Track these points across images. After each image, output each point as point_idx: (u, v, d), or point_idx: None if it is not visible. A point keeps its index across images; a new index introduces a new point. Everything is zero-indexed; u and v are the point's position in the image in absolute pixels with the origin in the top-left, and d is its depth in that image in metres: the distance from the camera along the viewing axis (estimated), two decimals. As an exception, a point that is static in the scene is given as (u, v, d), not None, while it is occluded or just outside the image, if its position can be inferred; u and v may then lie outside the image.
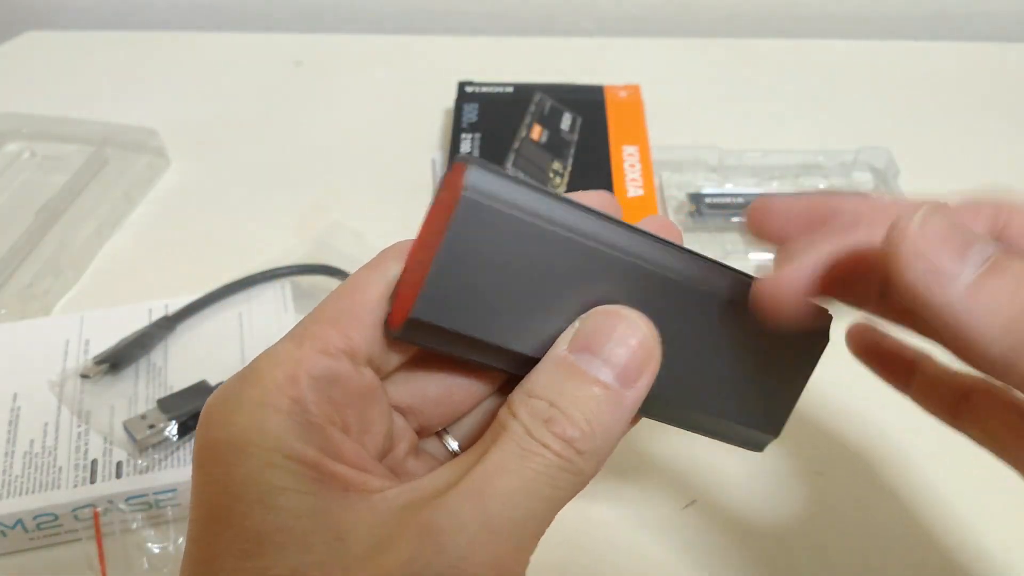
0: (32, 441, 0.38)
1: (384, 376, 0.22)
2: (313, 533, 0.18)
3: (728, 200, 0.54)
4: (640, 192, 0.51)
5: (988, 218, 0.23)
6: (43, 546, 0.37)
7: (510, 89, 0.60)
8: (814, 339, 0.25)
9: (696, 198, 0.54)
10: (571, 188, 0.51)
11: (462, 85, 0.61)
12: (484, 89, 0.60)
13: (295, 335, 0.21)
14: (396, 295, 0.21)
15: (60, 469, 0.37)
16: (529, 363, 0.21)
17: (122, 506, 0.36)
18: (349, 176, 0.58)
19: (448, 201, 0.20)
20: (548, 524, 0.20)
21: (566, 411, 0.20)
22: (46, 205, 0.52)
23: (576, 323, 0.21)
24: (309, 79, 0.69)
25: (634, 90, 0.60)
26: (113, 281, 0.51)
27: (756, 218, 0.26)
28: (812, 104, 0.66)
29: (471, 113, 0.58)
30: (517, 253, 0.20)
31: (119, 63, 0.71)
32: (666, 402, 0.23)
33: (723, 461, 0.40)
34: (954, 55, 0.72)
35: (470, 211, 0.19)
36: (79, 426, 0.38)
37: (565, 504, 0.20)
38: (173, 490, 0.37)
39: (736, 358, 0.24)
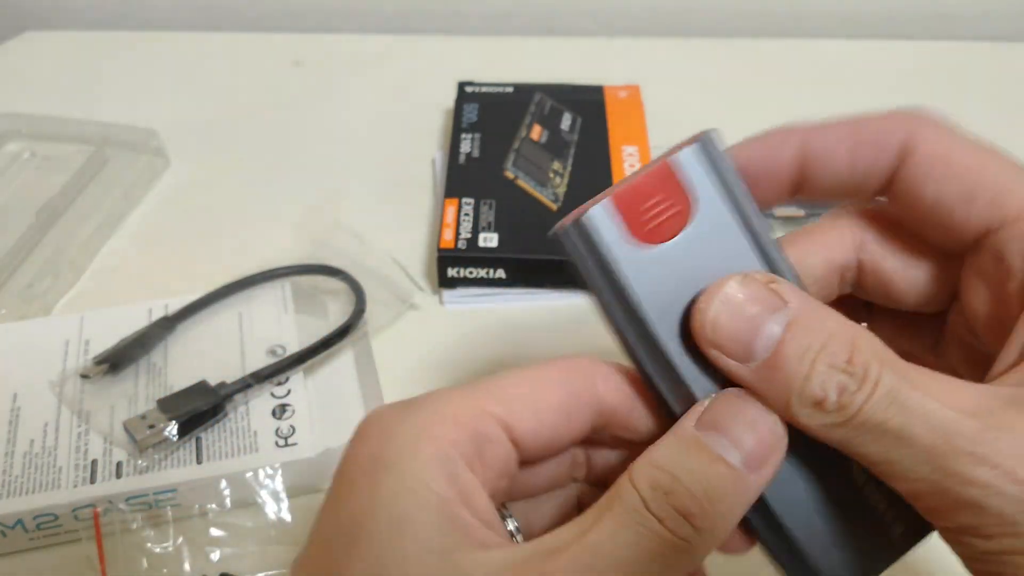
0: (32, 441, 0.38)
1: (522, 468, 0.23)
2: (435, 569, 0.19)
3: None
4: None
5: (795, 147, 0.24)
6: (43, 546, 0.37)
7: (510, 89, 0.60)
8: None
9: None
10: (571, 188, 0.51)
11: (462, 85, 0.61)
12: (484, 89, 0.60)
13: (475, 388, 0.22)
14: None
15: (60, 469, 0.37)
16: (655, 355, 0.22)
17: (122, 506, 0.36)
18: (349, 176, 0.58)
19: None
20: None
21: (688, 485, 0.19)
22: (46, 205, 0.52)
23: (706, 401, 0.21)
24: (309, 79, 0.69)
25: (634, 90, 0.60)
26: (113, 281, 0.51)
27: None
28: (812, 104, 0.65)
29: (471, 113, 0.58)
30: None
31: (119, 63, 0.71)
32: (775, 518, 0.22)
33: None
34: (954, 55, 0.72)
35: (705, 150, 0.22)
36: (79, 426, 0.38)
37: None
38: (173, 490, 0.37)
39: (847, 497, 0.23)
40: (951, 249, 0.23)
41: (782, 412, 0.21)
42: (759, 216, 0.22)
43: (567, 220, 0.22)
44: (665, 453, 0.20)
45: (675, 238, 0.21)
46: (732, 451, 0.20)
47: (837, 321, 0.21)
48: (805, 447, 0.21)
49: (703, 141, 0.22)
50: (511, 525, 0.23)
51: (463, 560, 0.19)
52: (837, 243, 0.25)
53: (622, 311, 0.22)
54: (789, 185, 0.25)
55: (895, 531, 0.23)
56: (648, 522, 0.19)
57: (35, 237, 0.51)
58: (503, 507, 0.24)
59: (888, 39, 0.73)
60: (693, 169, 0.22)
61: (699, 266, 0.21)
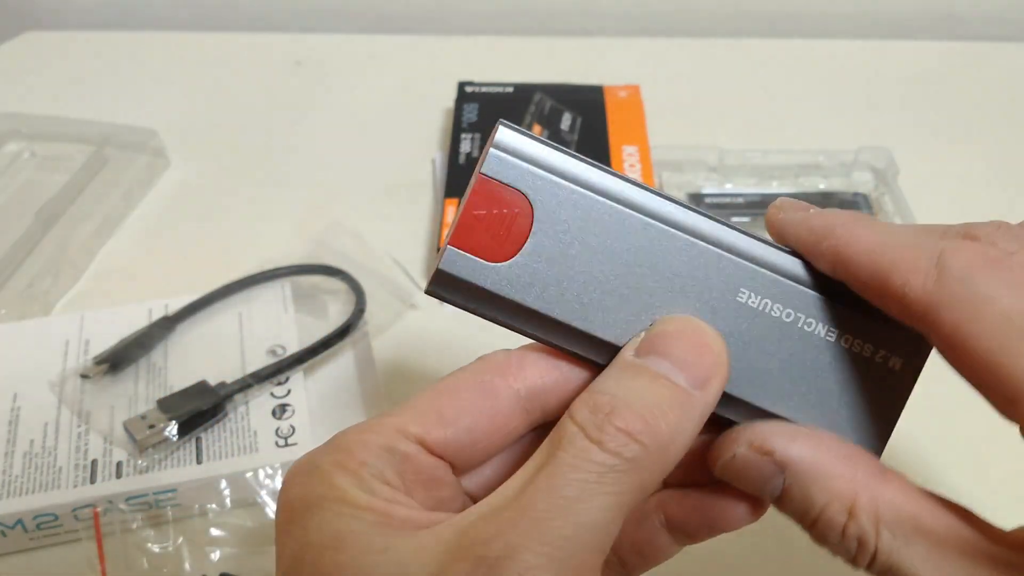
0: (32, 441, 0.38)
1: (460, 473, 0.23)
2: (377, 567, 0.19)
3: (728, 200, 0.54)
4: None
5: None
6: (43, 546, 0.37)
7: (510, 89, 0.60)
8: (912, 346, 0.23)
9: (696, 198, 0.54)
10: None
11: (462, 85, 0.61)
12: (484, 89, 0.60)
13: (389, 411, 0.22)
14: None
15: (60, 469, 0.37)
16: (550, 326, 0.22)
17: (122, 506, 0.36)
18: (349, 176, 0.58)
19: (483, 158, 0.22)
20: (614, 533, 0.19)
21: (630, 404, 0.19)
22: (46, 205, 0.52)
23: (642, 334, 0.21)
24: (309, 79, 0.69)
25: (634, 90, 0.60)
26: (113, 281, 0.51)
27: (772, 231, 0.25)
28: (812, 104, 0.66)
29: (471, 113, 0.58)
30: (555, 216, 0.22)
31: (119, 63, 0.71)
32: (749, 405, 0.23)
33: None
34: (954, 55, 0.72)
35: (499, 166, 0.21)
36: (79, 426, 0.38)
37: (629, 509, 0.19)
38: (173, 490, 0.37)
39: (828, 361, 0.23)
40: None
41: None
42: (599, 169, 0.22)
43: (431, 280, 0.22)
44: (605, 381, 0.20)
45: (530, 237, 0.22)
46: (675, 372, 0.20)
47: (834, 487, 0.21)
48: (764, 328, 0.22)
49: (496, 140, 0.21)
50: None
51: (405, 549, 0.19)
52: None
53: (525, 320, 0.22)
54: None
55: (894, 367, 0.23)
56: (591, 455, 0.18)
57: (35, 237, 0.51)
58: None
59: (888, 39, 0.73)
60: (505, 169, 0.21)
61: (567, 243, 0.22)
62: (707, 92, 0.67)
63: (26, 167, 0.58)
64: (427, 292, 0.22)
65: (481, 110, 0.58)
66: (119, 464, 0.37)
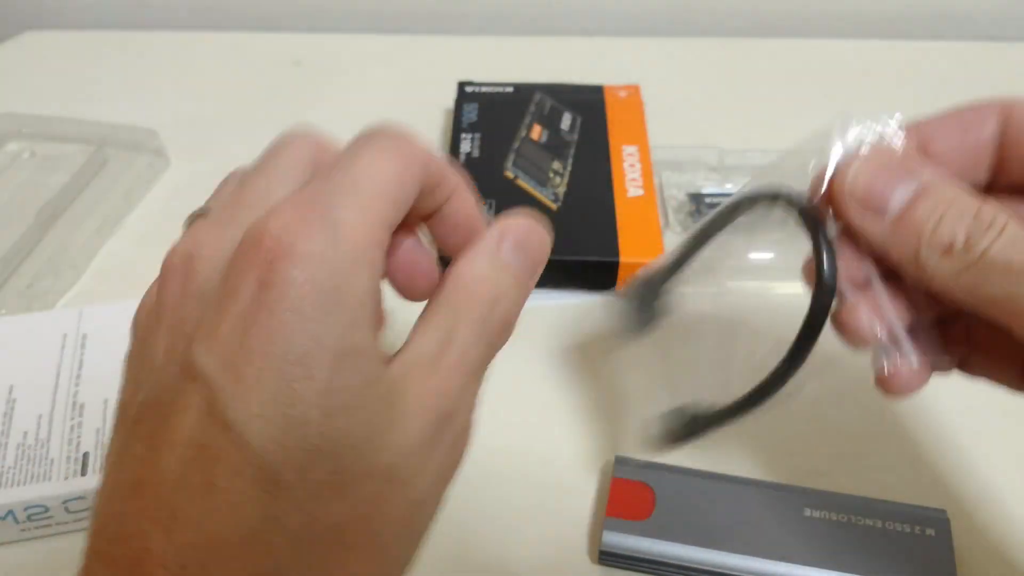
0: (26, 433, 0.38)
1: None
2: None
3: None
4: (640, 192, 0.51)
5: (994, 116, 0.25)
6: (34, 538, 0.37)
7: (510, 89, 0.60)
8: None
9: (696, 198, 0.54)
10: (571, 188, 0.51)
11: (462, 85, 0.61)
12: (484, 89, 0.60)
13: (362, 198, 0.22)
14: None
15: (52, 461, 0.37)
16: None
17: None
18: (349, 176, 0.58)
19: None
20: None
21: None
22: (46, 205, 0.52)
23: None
24: (309, 79, 0.69)
25: (634, 90, 0.60)
26: (113, 281, 0.51)
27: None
28: (812, 104, 0.65)
29: (471, 113, 0.58)
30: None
31: (119, 63, 0.71)
32: None
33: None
34: (954, 55, 0.72)
35: None
36: (72, 419, 0.39)
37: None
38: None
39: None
40: None
41: (912, 264, 0.23)
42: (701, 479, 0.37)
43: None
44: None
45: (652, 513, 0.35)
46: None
47: (966, 190, 0.23)
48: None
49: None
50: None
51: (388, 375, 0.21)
52: (975, 122, 0.26)
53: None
54: (988, 168, 0.26)
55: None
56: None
57: (35, 237, 0.51)
58: None
59: (888, 39, 0.73)
60: (639, 472, 0.37)
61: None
62: (707, 92, 0.67)
63: (26, 167, 0.58)
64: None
65: (481, 110, 0.58)
66: (113, 459, 0.37)
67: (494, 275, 0.24)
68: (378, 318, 0.23)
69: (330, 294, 0.19)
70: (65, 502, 0.36)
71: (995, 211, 0.22)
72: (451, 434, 0.22)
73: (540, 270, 0.25)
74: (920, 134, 0.25)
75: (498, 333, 0.23)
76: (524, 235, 0.25)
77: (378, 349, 0.21)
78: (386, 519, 0.20)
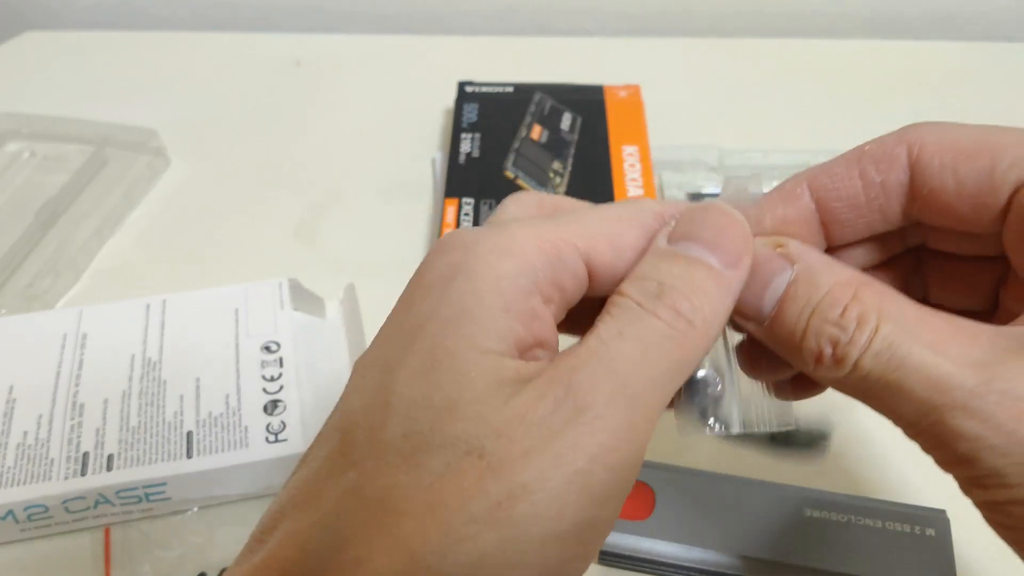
0: (26, 433, 0.38)
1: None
2: (474, 366, 0.19)
3: (728, 200, 0.54)
4: (640, 192, 0.51)
5: (807, 191, 0.24)
6: (34, 538, 0.37)
7: (510, 89, 0.60)
8: None
9: (696, 198, 0.54)
10: (571, 188, 0.51)
11: (462, 85, 0.61)
12: (484, 89, 0.60)
13: (556, 219, 0.21)
14: None
15: (52, 461, 0.37)
16: None
17: (112, 499, 0.36)
18: (349, 176, 0.58)
19: None
20: (669, 396, 0.20)
21: (675, 287, 0.20)
22: (46, 205, 0.52)
23: (672, 223, 0.22)
24: (309, 79, 0.69)
25: (634, 90, 0.60)
26: (113, 281, 0.51)
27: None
28: (812, 104, 0.65)
29: (471, 113, 0.58)
30: None
31: (119, 63, 0.71)
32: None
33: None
34: (954, 55, 0.72)
35: None
36: (72, 419, 0.39)
37: (680, 378, 0.20)
38: (163, 484, 0.37)
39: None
40: (989, 225, 0.23)
41: (798, 367, 0.21)
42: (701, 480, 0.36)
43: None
44: (646, 268, 0.21)
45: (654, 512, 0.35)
46: (708, 255, 0.21)
47: (841, 275, 0.21)
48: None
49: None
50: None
51: (504, 365, 0.19)
52: (883, 161, 0.24)
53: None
54: (821, 233, 0.24)
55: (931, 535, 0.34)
56: (647, 320, 0.20)
57: (35, 237, 0.51)
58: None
59: (888, 39, 0.73)
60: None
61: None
62: (707, 92, 0.67)
63: (26, 167, 0.58)
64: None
65: (481, 110, 0.58)
66: (110, 457, 0.37)
67: (661, 268, 0.22)
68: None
69: None
70: (65, 502, 0.36)
71: (867, 308, 0.20)
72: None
73: (746, 261, 0.22)
74: (815, 184, 0.24)
75: (675, 331, 0.21)
76: (700, 221, 0.22)
77: None
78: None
